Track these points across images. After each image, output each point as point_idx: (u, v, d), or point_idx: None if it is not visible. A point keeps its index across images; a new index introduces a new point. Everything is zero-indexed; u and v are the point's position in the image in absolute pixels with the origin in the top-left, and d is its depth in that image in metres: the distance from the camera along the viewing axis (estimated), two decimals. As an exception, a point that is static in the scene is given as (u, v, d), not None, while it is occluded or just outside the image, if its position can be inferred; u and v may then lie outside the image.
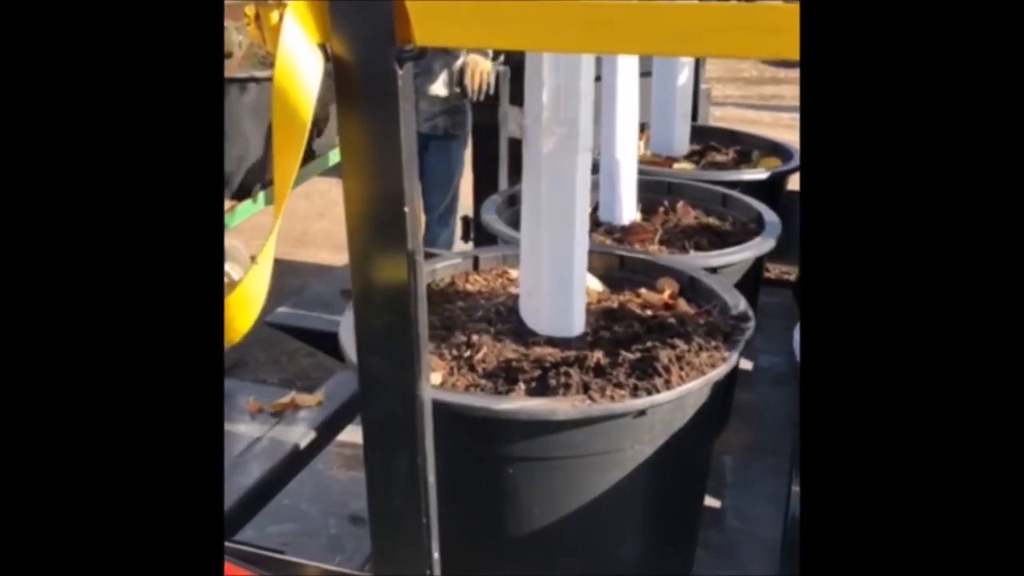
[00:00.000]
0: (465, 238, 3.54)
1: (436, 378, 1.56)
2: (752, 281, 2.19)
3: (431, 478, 1.14)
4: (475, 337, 1.66)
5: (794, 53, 0.85)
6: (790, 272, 3.02)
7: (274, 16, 3.28)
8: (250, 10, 3.38)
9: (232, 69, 3.60)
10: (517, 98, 3.32)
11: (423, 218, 3.71)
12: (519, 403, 1.45)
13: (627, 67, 2.28)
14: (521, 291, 1.76)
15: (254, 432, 1.99)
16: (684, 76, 2.91)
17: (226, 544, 1.52)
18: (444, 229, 3.73)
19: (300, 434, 1.98)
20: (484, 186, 3.36)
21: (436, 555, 1.17)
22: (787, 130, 4.68)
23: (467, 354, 1.63)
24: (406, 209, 1.02)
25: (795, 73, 8.96)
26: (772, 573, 1.87)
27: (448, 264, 1.97)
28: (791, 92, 8.16)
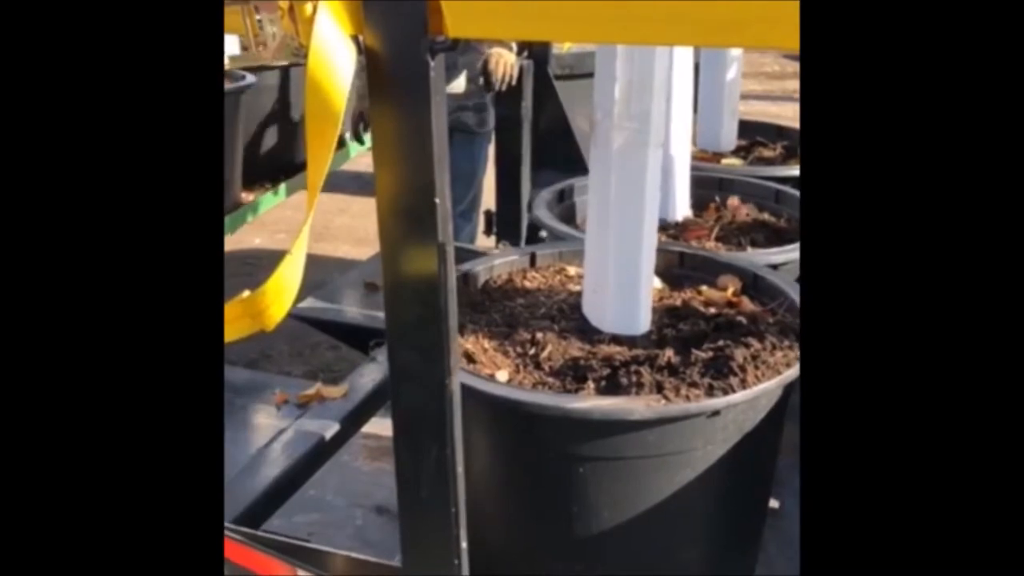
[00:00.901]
0: (488, 232, 3.55)
1: (502, 376, 1.55)
2: None
3: (460, 469, 1.15)
4: (539, 335, 1.65)
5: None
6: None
7: (308, 8, 3.28)
8: (284, 2, 3.38)
9: (265, 61, 3.60)
10: (540, 93, 3.32)
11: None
12: (592, 402, 1.43)
13: (681, 60, 2.25)
14: (585, 288, 1.74)
15: (280, 424, 2.00)
16: (732, 71, 2.87)
17: (253, 533, 1.53)
18: (467, 224, 3.73)
19: (325, 425, 1.99)
20: (507, 181, 3.36)
21: (464, 545, 1.18)
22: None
23: (532, 352, 1.62)
24: (437, 200, 1.03)
25: (818, 68, 8.95)
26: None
27: (505, 261, 1.95)
28: (814, 87, 8.10)
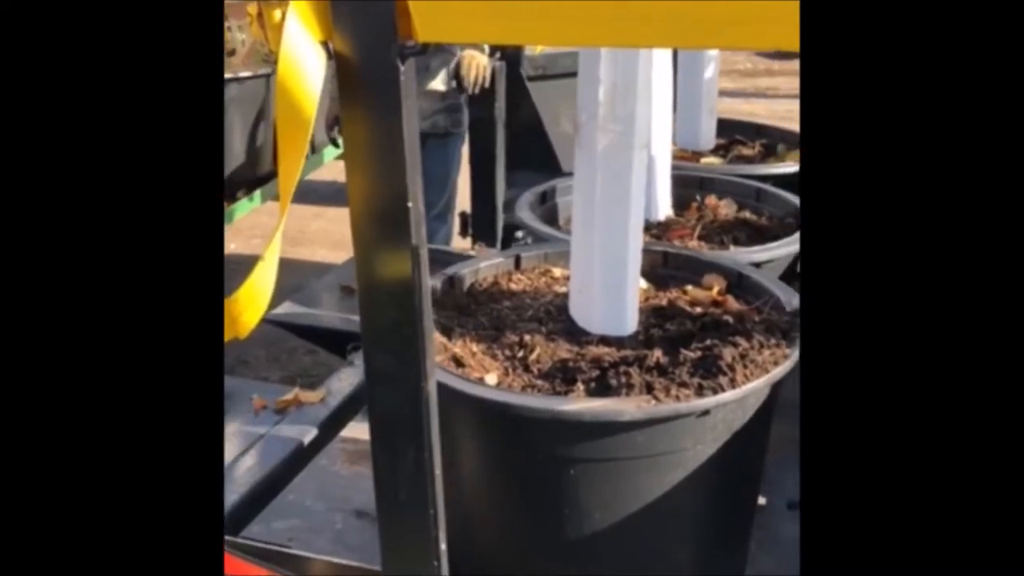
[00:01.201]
0: (463, 234, 3.55)
1: (491, 379, 1.55)
2: (788, 276, 2.19)
3: (437, 471, 1.15)
4: (527, 337, 1.65)
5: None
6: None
7: (277, 14, 3.28)
8: (253, 8, 3.36)
9: (235, 67, 3.56)
10: (512, 94, 3.33)
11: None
12: (583, 404, 1.43)
13: (660, 61, 2.25)
14: (572, 290, 1.74)
15: (258, 429, 2.00)
16: (710, 70, 2.89)
17: (233, 540, 1.53)
18: (442, 226, 3.73)
19: (303, 431, 1.99)
20: (481, 182, 3.37)
21: (443, 547, 1.18)
22: (782, 121, 4.71)
23: (520, 354, 1.62)
24: (410, 204, 1.03)
25: (789, 65, 8.98)
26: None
27: (490, 263, 1.95)
28: (785, 84, 8.18)
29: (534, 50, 3.38)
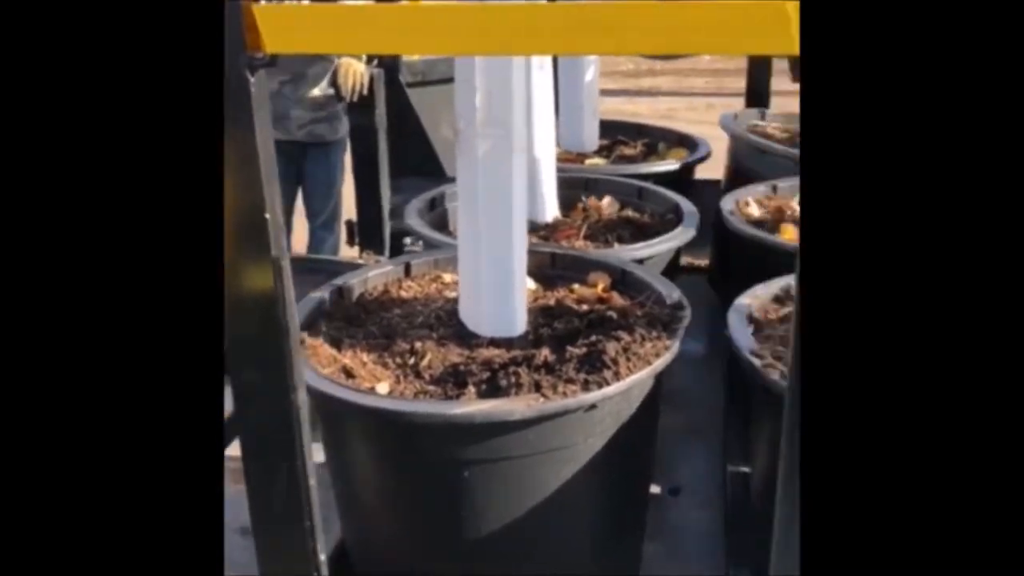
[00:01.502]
0: (351, 242, 3.52)
1: (383, 388, 1.55)
2: (671, 270, 2.25)
3: (312, 482, 1.15)
4: (418, 344, 1.66)
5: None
6: (699, 260, 3.01)
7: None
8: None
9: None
10: (393, 101, 3.33)
11: (307, 225, 3.68)
12: (473, 406, 1.45)
13: (540, 64, 2.29)
14: (460, 294, 1.76)
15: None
16: (591, 73, 2.93)
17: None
18: (330, 235, 3.70)
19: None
20: (366, 190, 3.35)
21: (323, 557, 1.18)
22: (664, 119, 4.82)
23: (412, 361, 1.63)
24: (267, 216, 1.03)
25: (671, 66, 9.12)
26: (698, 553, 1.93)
27: (380, 272, 1.96)
28: (667, 83, 8.38)
29: (412, 56, 3.38)
